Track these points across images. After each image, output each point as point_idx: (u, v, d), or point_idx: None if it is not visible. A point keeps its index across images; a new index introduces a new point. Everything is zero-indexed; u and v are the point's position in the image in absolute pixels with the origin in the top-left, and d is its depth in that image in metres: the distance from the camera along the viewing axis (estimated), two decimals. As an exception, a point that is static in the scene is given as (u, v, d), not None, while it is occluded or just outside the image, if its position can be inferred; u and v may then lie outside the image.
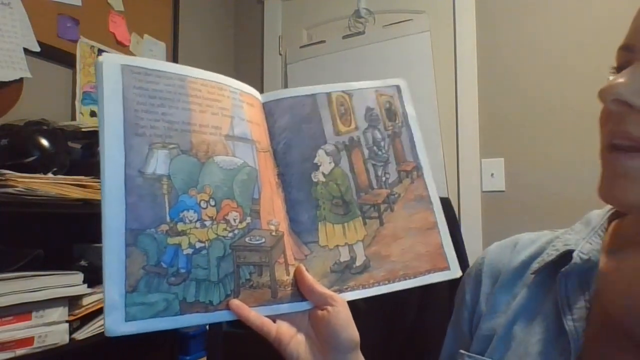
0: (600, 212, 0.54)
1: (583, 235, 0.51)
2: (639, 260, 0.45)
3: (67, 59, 1.56)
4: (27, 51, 1.39)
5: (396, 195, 0.55)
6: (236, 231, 0.46)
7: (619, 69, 0.44)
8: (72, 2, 1.57)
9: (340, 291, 0.50)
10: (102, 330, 0.42)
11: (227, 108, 0.49)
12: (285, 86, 2.27)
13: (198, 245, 0.44)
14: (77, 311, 1.13)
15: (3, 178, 0.98)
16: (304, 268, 0.49)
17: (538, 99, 1.82)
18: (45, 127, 1.21)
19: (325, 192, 0.53)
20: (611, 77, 0.43)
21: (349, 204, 0.53)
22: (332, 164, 0.54)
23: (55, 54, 1.52)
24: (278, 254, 0.48)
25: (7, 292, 0.98)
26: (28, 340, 1.02)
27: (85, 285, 1.13)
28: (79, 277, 1.12)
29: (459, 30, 1.98)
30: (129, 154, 0.42)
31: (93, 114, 1.61)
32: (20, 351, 1.00)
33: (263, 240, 0.47)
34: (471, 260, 1.89)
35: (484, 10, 1.94)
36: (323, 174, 0.53)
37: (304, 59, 2.22)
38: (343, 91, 0.57)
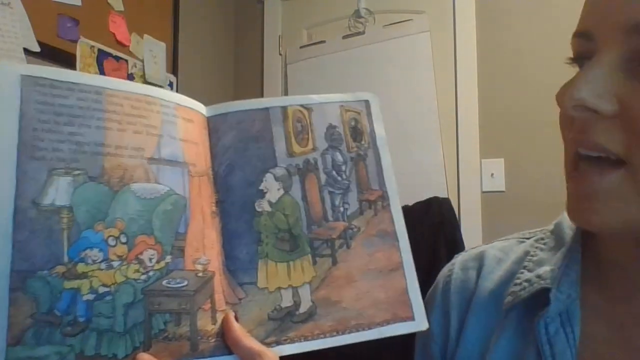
0: (572, 227, 0.48)
1: (557, 258, 0.45)
2: (628, 292, 0.41)
3: (67, 59, 1.56)
4: (27, 51, 1.39)
5: (355, 230, 0.47)
6: (151, 273, 0.39)
7: (576, 59, 0.39)
8: (72, 2, 1.57)
9: (277, 343, 0.43)
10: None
11: (155, 125, 0.42)
12: (286, 86, 2.27)
13: (102, 290, 0.37)
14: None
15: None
16: (232, 316, 0.42)
17: (538, 99, 1.82)
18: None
19: (270, 224, 0.45)
20: (569, 73, 0.38)
21: (297, 239, 0.46)
22: (281, 191, 0.46)
23: (55, 54, 1.51)
24: (204, 299, 0.41)
25: None
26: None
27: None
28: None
29: (459, 30, 1.98)
30: (22, 181, 0.36)
31: None
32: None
33: (185, 282, 0.40)
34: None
35: (484, 10, 1.94)
36: (269, 202, 0.46)
37: (304, 59, 2.22)
38: (302, 105, 0.49)
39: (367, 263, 0.46)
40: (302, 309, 0.44)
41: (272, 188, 0.46)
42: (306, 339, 0.43)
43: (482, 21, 1.94)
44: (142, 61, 1.86)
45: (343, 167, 0.49)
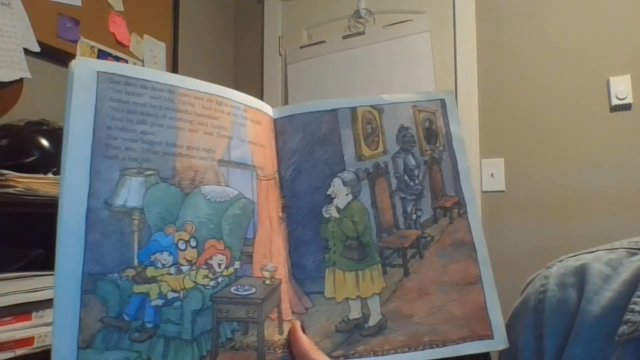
0: None
1: None
2: None
3: (67, 59, 1.55)
4: (27, 51, 1.39)
5: (428, 239, 0.45)
6: (220, 279, 0.38)
7: None
8: (72, 2, 1.57)
9: (345, 357, 0.41)
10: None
11: (226, 127, 0.41)
12: (286, 86, 2.27)
13: (170, 295, 0.36)
14: (77, 311, 1.12)
15: (3, 178, 0.98)
16: (299, 327, 0.40)
17: (538, 99, 1.82)
18: (45, 127, 1.21)
19: (337, 231, 0.43)
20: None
21: (366, 247, 0.44)
22: (350, 197, 0.44)
23: (55, 54, 1.51)
24: (271, 308, 0.40)
25: (7, 292, 0.98)
26: (28, 340, 1.02)
27: (85, 285, 1.12)
28: (79, 277, 1.12)
29: (459, 30, 1.98)
30: (95, 180, 0.35)
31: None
32: (20, 351, 1.00)
33: (253, 290, 0.39)
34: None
35: (484, 10, 1.94)
36: (337, 208, 0.44)
37: (304, 59, 2.22)
38: (372, 105, 0.47)
39: (441, 275, 0.44)
40: (372, 321, 0.42)
41: (340, 193, 0.44)
42: (375, 354, 0.41)
43: (482, 21, 1.94)
44: (142, 61, 1.86)
45: (416, 172, 0.46)
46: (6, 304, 0.98)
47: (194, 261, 0.37)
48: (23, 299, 1.00)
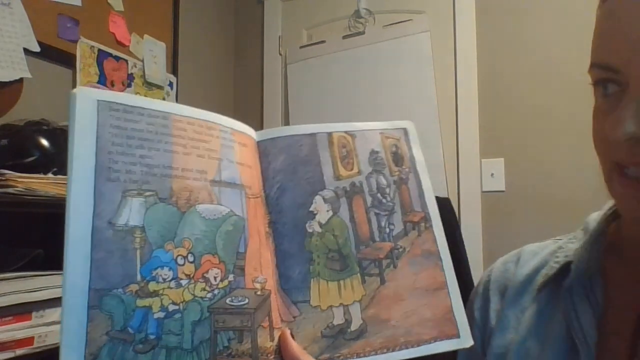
0: (596, 216, 0.53)
1: (582, 243, 0.51)
2: None
3: (67, 59, 1.56)
4: (27, 51, 1.39)
5: (401, 250, 0.49)
6: (216, 291, 0.41)
7: (598, 85, 0.44)
8: (72, 2, 1.57)
9: None
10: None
11: (215, 149, 0.44)
12: (286, 86, 2.27)
13: (171, 307, 0.38)
14: (77, 311, 1.12)
15: (3, 178, 0.98)
16: (289, 333, 0.43)
17: (538, 99, 1.82)
18: (45, 127, 1.21)
19: (320, 244, 0.47)
20: (600, 96, 0.44)
21: (346, 259, 0.48)
22: (330, 212, 0.48)
23: (55, 54, 1.52)
24: (262, 317, 0.43)
25: (7, 292, 0.98)
26: (28, 340, 1.02)
27: (85, 285, 1.12)
28: (79, 277, 1.12)
29: (459, 30, 1.98)
30: (99, 202, 0.37)
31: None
32: (20, 351, 1.00)
33: (246, 301, 0.42)
34: (471, 261, 1.88)
35: (484, 10, 1.94)
36: (319, 223, 0.48)
37: (304, 59, 2.22)
38: (346, 132, 0.52)
39: (413, 282, 0.48)
40: (354, 326, 0.46)
41: (321, 210, 0.48)
42: (358, 356, 0.45)
43: (482, 21, 1.94)
44: (142, 61, 1.86)
45: (387, 190, 0.51)
46: (6, 304, 0.98)
47: (191, 275, 0.40)
48: (23, 299, 1.00)
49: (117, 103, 0.40)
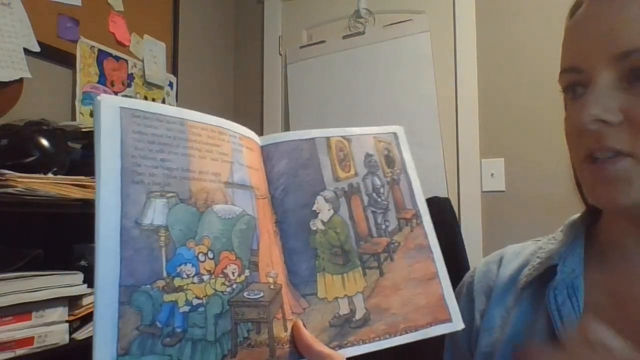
0: (578, 218, 0.56)
1: (565, 244, 0.53)
2: (625, 268, 0.48)
3: (67, 59, 1.56)
4: (27, 51, 1.40)
5: (396, 244, 0.53)
6: (234, 285, 0.43)
7: (568, 90, 0.49)
8: (72, 2, 1.57)
9: (339, 347, 0.48)
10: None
11: (227, 153, 0.47)
12: (286, 86, 2.27)
13: (195, 302, 0.41)
14: (77, 311, 1.12)
15: (3, 178, 0.98)
16: (301, 324, 0.46)
17: (538, 99, 1.82)
18: (45, 127, 1.21)
19: (324, 241, 0.51)
20: (569, 101, 0.48)
21: (348, 254, 0.51)
22: (331, 211, 0.52)
23: (55, 54, 1.52)
24: (276, 309, 0.46)
25: (7, 292, 0.98)
26: (28, 340, 1.02)
27: (85, 285, 1.13)
28: (79, 277, 1.12)
29: (459, 30, 1.98)
30: (126, 203, 0.39)
31: (93, 114, 1.61)
32: (20, 351, 1.00)
33: (262, 294, 0.44)
34: (471, 261, 1.88)
35: (484, 10, 1.94)
36: (322, 221, 0.51)
37: (304, 59, 2.22)
38: (342, 136, 0.56)
39: (408, 273, 0.52)
40: (358, 315, 0.49)
41: (323, 209, 0.52)
42: (364, 342, 0.48)
43: (482, 21, 1.94)
44: (142, 61, 1.86)
45: (382, 190, 0.55)
46: (6, 304, 0.98)
47: (212, 271, 0.42)
48: (23, 299, 1.00)
49: (138, 110, 0.42)
